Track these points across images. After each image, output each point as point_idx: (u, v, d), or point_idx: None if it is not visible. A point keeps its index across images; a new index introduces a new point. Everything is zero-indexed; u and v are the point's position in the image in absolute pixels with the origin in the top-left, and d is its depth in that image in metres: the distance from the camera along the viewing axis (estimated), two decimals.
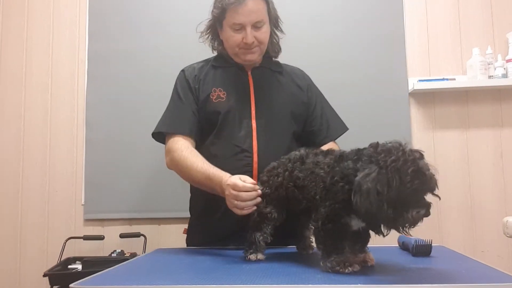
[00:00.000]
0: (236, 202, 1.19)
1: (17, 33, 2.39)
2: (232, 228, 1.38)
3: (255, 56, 1.52)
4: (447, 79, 2.18)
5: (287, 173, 1.08)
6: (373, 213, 0.80)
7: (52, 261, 2.12)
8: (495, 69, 2.15)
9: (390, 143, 0.87)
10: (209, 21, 1.56)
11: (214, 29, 1.57)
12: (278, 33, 1.61)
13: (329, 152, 1.03)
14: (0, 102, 2.36)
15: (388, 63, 2.23)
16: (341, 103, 2.21)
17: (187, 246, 1.56)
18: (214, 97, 1.51)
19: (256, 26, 1.47)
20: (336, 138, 1.59)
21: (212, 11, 1.52)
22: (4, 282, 2.26)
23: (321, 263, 0.96)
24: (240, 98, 1.51)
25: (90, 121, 2.29)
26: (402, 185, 0.79)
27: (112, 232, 2.21)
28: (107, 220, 2.24)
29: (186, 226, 1.60)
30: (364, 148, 0.92)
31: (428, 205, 0.84)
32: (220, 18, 1.50)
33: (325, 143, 1.55)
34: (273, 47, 1.60)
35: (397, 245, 1.29)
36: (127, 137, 2.25)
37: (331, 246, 0.93)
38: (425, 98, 2.24)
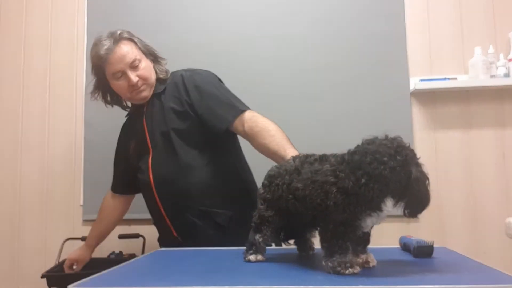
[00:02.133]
0: None
1: (16, 32, 2.38)
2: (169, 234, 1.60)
3: (146, 93, 1.63)
4: (448, 79, 2.18)
5: (285, 186, 1.07)
6: (427, 198, 0.93)
7: (50, 262, 2.11)
8: (497, 68, 2.14)
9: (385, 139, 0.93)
10: (95, 81, 1.67)
11: (103, 85, 1.66)
12: (160, 60, 1.69)
13: (324, 158, 1.02)
14: None
15: (389, 63, 2.22)
16: (342, 103, 2.23)
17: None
18: (130, 152, 1.69)
19: (133, 66, 1.57)
20: (231, 125, 1.53)
21: (92, 72, 1.64)
22: (2, 283, 2.25)
23: (322, 262, 0.95)
24: (140, 139, 1.62)
25: (89, 120, 2.29)
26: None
27: (110, 233, 2.19)
28: None
29: None
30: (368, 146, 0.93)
31: None
32: (101, 75, 1.61)
33: (222, 131, 1.54)
34: (161, 73, 1.66)
35: (399, 246, 1.28)
36: None
37: (336, 246, 0.93)
38: (426, 97, 2.23)
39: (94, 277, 0.97)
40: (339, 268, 0.92)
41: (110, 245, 2.18)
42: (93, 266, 1.82)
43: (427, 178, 0.93)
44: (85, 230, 2.22)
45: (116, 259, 2.02)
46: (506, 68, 2.14)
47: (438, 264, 1.07)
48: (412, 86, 2.20)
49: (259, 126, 1.47)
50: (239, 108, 1.54)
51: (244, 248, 1.13)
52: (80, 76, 2.33)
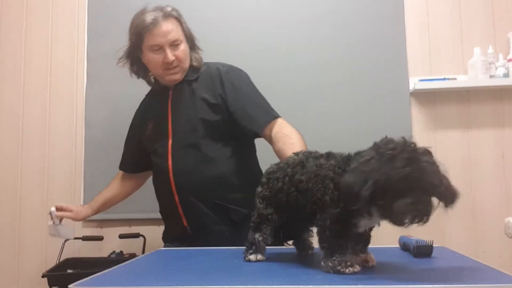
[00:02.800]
0: None
1: (16, 32, 2.38)
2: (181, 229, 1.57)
3: (177, 76, 1.60)
4: (448, 79, 2.18)
5: (287, 178, 1.07)
6: (355, 192, 0.84)
7: (51, 262, 2.11)
8: (496, 68, 2.15)
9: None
10: (128, 47, 1.63)
11: (134, 54, 1.63)
12: (197, 49, 1.67)
13: (330, 155, 1.03)
14: None
15: (388, 63, 2.22)
16: (341, 102, 2.23)
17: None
18: (146, 132, 1.66)
19: (173, 45, 1.55)
20: (262, 130, 1.55)
21: (129, 38, 1.60)
22: (3, 283, 2.25)
23: (322, 262, 0.95)
24: (161, 121, 1.60)
25: (89, 120, 2.29)
26: (393, 170, 0.83)
27: (111, 233, 2.20)
28: (106, 220, 2.23)
29: None
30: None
31: (418, 197, 0.84)
32: (138, 43, 1.57)
33: (252, 133, 1.57)
34: (195, 61, 1.65)
35: (398, 245, 1.28)
36: None
37: (336, 246, 0.93)
38: (426, 98, 2.23)
39: (95, 277, 0.98)
40: (339, 267, 0.92)
41: (111, 244, 2.19)
42: (93, 266, 1.82)
43: (404, 174, 0.82)
44: (86, 230, 2.24)
45: (117, 258, 2.03)
46: (506, 68, 2.14)
47: (438, 263, 1.07)
48: (411, 86, 2.20)
49: (283, 133, 1.51)
50: (272, 114, 1.58)
51: (244, 248, 1.14)
52: (80, 76, 2.32)
